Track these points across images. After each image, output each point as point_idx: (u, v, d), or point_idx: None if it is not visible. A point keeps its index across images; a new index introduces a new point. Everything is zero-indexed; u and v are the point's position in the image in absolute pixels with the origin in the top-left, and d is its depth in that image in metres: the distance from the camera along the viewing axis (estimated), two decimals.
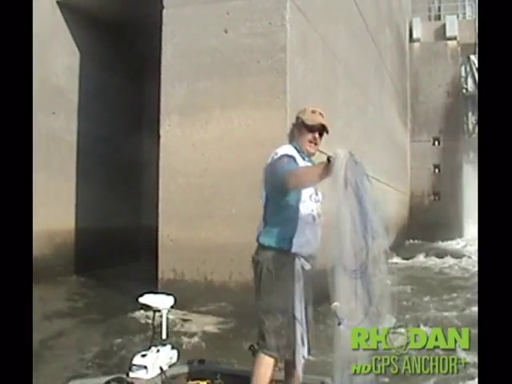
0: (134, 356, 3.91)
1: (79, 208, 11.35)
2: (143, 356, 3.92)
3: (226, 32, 7.86)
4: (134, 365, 3.87)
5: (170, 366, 3.98)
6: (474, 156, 30.55)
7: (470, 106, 31.63)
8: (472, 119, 32.42)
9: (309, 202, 3.55)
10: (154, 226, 8.10)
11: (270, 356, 3.42)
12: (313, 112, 3.65)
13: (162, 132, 7.90)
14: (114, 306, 7.89)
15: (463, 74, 30.35)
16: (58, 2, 10.90)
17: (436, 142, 23.86)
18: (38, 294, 5.57)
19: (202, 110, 7.80)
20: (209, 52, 7.87)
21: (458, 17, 25.59)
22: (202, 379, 4.05)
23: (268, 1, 7.77)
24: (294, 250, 3.46)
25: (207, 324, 6.87)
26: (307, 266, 3.48)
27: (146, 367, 3.85)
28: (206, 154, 7.69)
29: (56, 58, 11.00)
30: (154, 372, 3.86)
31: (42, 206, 8.90)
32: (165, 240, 7.63)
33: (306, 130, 3.61)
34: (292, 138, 3.74)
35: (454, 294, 9.33)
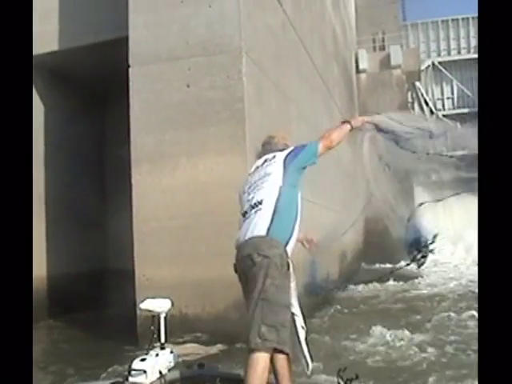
0: (133, 360, 3.98)
1: (50, 255, 12.02)
2: (142, 360, 3.96)
3: (188, 86, 8.76)
4: (133, 369, 3.91)
5: (169, 370, 4.05)
6: (423, 178, 32.04)
7: None
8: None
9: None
10: (122, 269, 8.86)
11: (282, 350, 3.51)
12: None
13: (133, 181, 8.70)
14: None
15: (410, 99, 31.92)
16: None
17: (387, 168, 25.02)
18: None
19: (169, 158, 8.65)
20: (174, 105, 8.75)
21: (401, 46, 27.09)
22: None
23: (226, 57, 8.71)
24: (289, 248, 3.73)
25: None
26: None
27: (145, 371, 3.89)
28: (175, 198, 8.53)
29: None
30: (153, 376, 3.91)
31: None
32: (141, 279, 8.41)
33: None
34: None
35: None
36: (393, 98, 25.61)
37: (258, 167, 4.00)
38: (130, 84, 8.90)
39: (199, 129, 8.66)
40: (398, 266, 21.23)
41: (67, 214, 12.61)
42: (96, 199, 13.50)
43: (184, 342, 8.06)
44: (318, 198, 13.55)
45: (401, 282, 15.74)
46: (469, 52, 34.27)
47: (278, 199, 3.75)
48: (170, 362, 4.11)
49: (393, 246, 23.04)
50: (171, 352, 4.17)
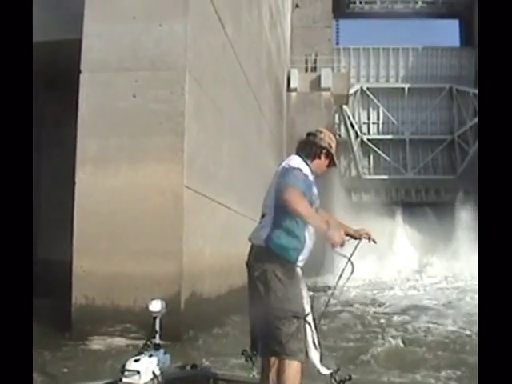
0: (126, 361, 4.07)
1: None
2: (136, 361, 4.04)
3: (134, 97, 9.78)
4: (127, 370, 3.98)
5: (162, 371, 4.13)
6: (344, 196, 33.80)
7: (342, 151, 34.96)
8: (344, 163, 35.75)
9: None
10: (51, 260, 9.68)
11: (294, 360, 3.66)
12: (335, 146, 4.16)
13: (77, 179, 9.60)
14: None
15: (337, 121, 33.70)
16: None
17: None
18: None
19: (112, 162, 9.62)
20: (119, 113, 9.75)
21: (332, 69, 28.80)
22: None
23: (171, 73, 9.81)
24: (298, 263, 3.84)
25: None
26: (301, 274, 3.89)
27: (138, 372, 3.96)
28: (115, 198, 9.52)
29: None
30: (146, 377, 3.98)
31: None
32: (78, 270, 9.34)
33: (329, 160, 4.11)
34: (307, 155, 4.04)
35: None
36: (320, 119, 27.21)
37: (278, 167, 4.07)
38: (80, 89, 9.82)
39: (142, 137, 9.69)
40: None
41: None
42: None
43: (114, 331, 9.07)
44: (246, 210, 14.74)
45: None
46: (397, 81, 36.53)
47: (275, 214, 3.87)
48: (164, 363, 4.21)
49: (313, 260, 24.61)
50: (165, 353, 4.28)
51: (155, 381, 4.00)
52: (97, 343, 8.78)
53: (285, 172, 3.86)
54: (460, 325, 12.39)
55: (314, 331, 3.80)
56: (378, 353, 9.07)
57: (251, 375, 4.24)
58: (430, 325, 12.45)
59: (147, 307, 4.32)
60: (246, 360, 3.90)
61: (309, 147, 4.06)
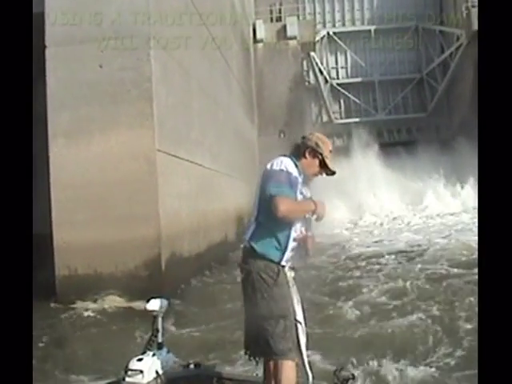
0: (129, 360, 4.05)
1: None
2: (139, 360, 4.03)
3: (101, 67, 9.82)
4: (130, 369, 3.97)
5: (165, 370, 4.10)
6: None
7: (312, 98, 34.98)
8: (315, 110, 35.81)
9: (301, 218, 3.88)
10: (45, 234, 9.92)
11: (286, 360, 3.65)
12: (331, 152, 4.02)
13: (50, 154, 9.69)
14: None
15: (305, 68, 33.62)
16: None
17: (282, 134, 26.80)
18: None
19: (84, 133, 9.72)
20: (87, 84, 9.80)
21: (298, 17, 28.66)
22: (198, 383, 4.22)
23: (135, 41, 9.82)
24: (282, 262, 3.76)
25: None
26: (292, 274, 3.85)
27: (142, 372, 3.94)
28: (89, 169, 9.64)
29: None
30: (150, 376, 3.96)
31: None
32: (59, 242, 9.51)
33: (320, 165, 4.00)
34: (295, 155, 3.99)
35: None
36: (288, 68, 27.31)
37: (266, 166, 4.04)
38: (47, 63, 9.82)
39: (111, 106, 9.77)
40: None
41: None
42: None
43: (99, 298, 9.29)
44: (219, 166, 14.95)
45: None
46: (363, 23, 36.32)
47: (258, 214, 3.89)
48: (167, 362, 4.19)
49: None
50: (168, 352, 4.27)
51: (158, 380, 4.01)
52: (82, 311, 8.98)
53: (267, 178, 3.86)
54: (439, 262, 12.79)
55: (305, 329, 3.81)
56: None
57: (254, 374, 4.27)
58: (404, 262, 12.88)
59: (146, 304, 4.29)
60: (250, 359, 3.92)
61: (296, 148, 4.04)
